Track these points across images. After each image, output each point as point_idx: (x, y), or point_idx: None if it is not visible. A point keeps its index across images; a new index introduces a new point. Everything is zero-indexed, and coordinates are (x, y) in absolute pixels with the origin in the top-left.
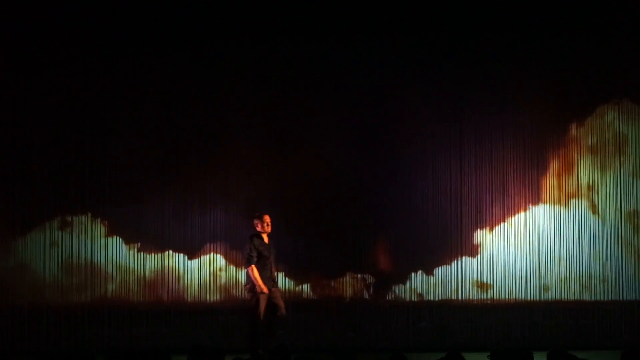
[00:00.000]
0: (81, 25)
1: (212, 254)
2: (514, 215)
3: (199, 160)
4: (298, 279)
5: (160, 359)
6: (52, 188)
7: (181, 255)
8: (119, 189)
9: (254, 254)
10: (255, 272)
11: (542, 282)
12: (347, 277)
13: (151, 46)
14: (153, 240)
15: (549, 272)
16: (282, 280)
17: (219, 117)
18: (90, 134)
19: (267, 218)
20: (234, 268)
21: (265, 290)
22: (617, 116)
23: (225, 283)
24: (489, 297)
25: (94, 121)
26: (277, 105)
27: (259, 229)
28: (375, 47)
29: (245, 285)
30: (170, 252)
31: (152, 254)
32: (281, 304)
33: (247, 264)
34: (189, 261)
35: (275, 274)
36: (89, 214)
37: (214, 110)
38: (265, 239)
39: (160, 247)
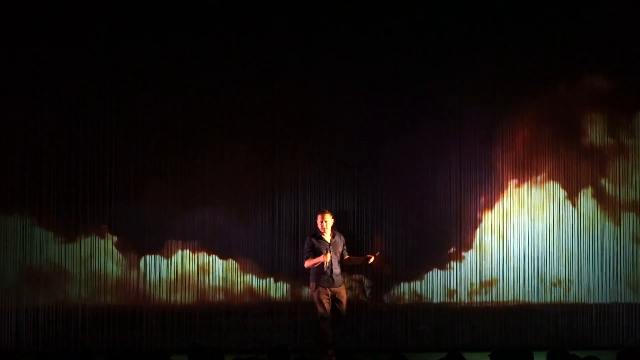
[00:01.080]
0: (76, 20)
1: (206, 254)
2: (514, 215)
3: (195, 160)
4: (296, 281)
5: (160, 359)
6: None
7: (179, 255)
8: (120, 187)
9: (307, 251)
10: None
11: (541, 283)
12: (344, 279)
13: (147, 44)
14: (150, 240)
15: (548, 273)
16: (280, 283)
17: (215, 116)
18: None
19: (323, 216)
20: (232, 269)
21: (318, 259)
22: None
23: (223, 284)
24: (488, 299)
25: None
26: (275, 105)
27: (319, 227)
28: (374, 46)
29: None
30: (167, 252)
31: (149, 255)
32: (340, 305)
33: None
34: (187, 262)
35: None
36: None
37: (212, 109)
38: (328, 237)
39: (158, 248)
